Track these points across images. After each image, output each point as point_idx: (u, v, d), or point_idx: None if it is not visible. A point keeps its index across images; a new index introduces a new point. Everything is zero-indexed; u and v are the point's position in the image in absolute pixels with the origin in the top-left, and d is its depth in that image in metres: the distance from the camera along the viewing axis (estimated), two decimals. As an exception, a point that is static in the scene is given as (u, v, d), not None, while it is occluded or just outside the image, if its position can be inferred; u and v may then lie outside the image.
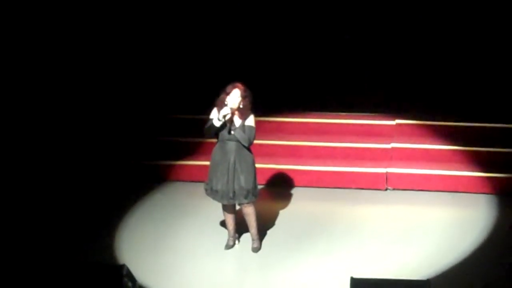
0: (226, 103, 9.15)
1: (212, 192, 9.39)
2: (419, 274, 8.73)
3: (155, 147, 12.01)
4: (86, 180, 11.50)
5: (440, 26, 13.08)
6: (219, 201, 9.40)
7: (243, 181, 9.24)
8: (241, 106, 9.21)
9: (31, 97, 12.28)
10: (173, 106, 12.57)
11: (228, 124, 9.19)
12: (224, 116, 9.10)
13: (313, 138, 11.85)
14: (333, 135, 11.90)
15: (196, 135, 11.81)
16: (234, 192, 9.26)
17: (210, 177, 9.41)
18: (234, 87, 9.20)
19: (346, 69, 13.24)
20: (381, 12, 13.21)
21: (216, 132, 9.24)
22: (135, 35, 13.37)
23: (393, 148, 11.64)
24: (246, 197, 9.30)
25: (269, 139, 11.66)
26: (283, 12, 13.42)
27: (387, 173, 11.29)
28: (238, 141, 9.21)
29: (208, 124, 9.25)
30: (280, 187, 11.33)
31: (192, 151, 11.83)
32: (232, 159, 9.21)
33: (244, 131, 9.20)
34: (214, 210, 10.02)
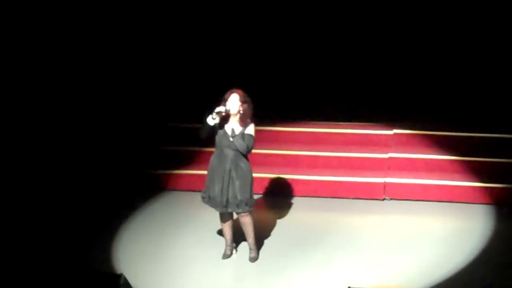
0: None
1: (209, 200, 9.37)
2: (416, 284, 8.74)
3: (153, 156, 12.01)
4: (85, 188, 11.50)
5: (437, 37, 13.12)
6: (214, 208, 9.39)
7: (237, 190, 9.20)
8: (241, 111, 9.16)
9: (30, 105, 12.29)
10: (172, 115, 12.58)
11: (219, 125, 9.08)
12: (218, 113, 9.00)
13: (311, 148, 11.86)
14: (330, 145, 11.92)
15: (194, 144, 11.86)
16: (227, 200, 9.24)
17: (207, 185, 9.39)
18: (232, 92, 9.16)
19: (344, 79, 13.27)
20: (380, 23, 13.24)
21: (208, 131, 9.09)
22: (135, 44, 13.39)
23: (390, 158, 11.65)
24: (238, 207, 9.26)
25: (267, 148, 11.67)
26: (281, 22, 13.45)
27: (384, 183, 11.30)
28: (236, 149, 9.19)
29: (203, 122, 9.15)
30: (278, 196, 11.33)
31: (190, 160, 11.84)
32: (228, 167, 9.18)
33: (243, 139, 9.19)
34: (212, 219, 10.02)
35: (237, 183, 9.19)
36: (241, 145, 9.13)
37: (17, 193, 11.20)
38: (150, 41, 13.46)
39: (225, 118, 9.15)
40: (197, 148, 11.80)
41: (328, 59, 13.39)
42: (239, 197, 9.22)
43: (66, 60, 12.88)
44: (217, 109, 9.03)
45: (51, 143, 12.00)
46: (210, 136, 9.20)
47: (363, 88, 13.17)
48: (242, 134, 9.15)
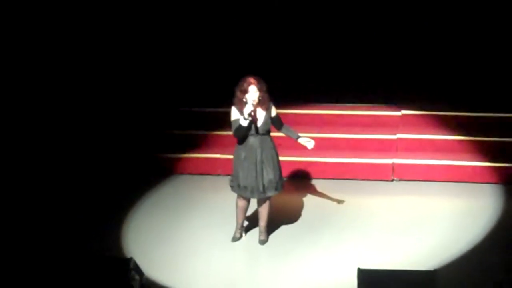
0: (245, 100, 9.10)
1: (240, 189, 9.35)
2: (425, 265, 8.73)
3: (163, 140, 12.03)
4: (94, 173, 11.53)
5: (444, 17, 13.08)
6: (249, 196, 9.37)
7: (271, 173, 9.24)
8: (260, 99, 9.17)
9: (40, 90, 12.35)
10: (182, 99, 12.59)
11: (253, 120, 9.15)
12: (249, 114, 9.05)
13: (319, 130, 11.84)
14: (339, 126, 11.91)
15: (203, 128, 11.88)
16: (263, 185, 9.25)
17: (236, 174, 9.33)
18: (249, 84, 9.10)
19: (351, 60, 13.25)
20: (387, 4, 13.20)
21: (246, 131, 9.15)
22: (145, 29, 13.40)
23: (399, 139, 11.63)
24: (276, 189, 9.32)
25: (274, 130, 11.64)
26: (289, 6, 13.43)
27: (393, 164, 11.29)
28: (260, 134, 9.19)
29: (236, 126, 9.14)
30: (286, 178, 11.33)
31: (199, 144, 11.85)
32: (259, 154, 9.19)
33: (278, 122, 9.38)
34: (221, 203, 10.05)
35: (269, 167, 9.24)
36: (291, 131, 9.46)
37: (28, 179, 11.25)
38: (161, 27, 13.45)
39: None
40: (206, 132, 11.82)
41: (336, 41, 13.36)
42: (274, 180, 9.27)
43: (77, 48, 12.92)
44: (247, 110, 9.03)
45: (61, 129, 12.04)
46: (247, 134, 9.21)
47: (371, 69, 13.15)
48: (269, 119, 9.22)
